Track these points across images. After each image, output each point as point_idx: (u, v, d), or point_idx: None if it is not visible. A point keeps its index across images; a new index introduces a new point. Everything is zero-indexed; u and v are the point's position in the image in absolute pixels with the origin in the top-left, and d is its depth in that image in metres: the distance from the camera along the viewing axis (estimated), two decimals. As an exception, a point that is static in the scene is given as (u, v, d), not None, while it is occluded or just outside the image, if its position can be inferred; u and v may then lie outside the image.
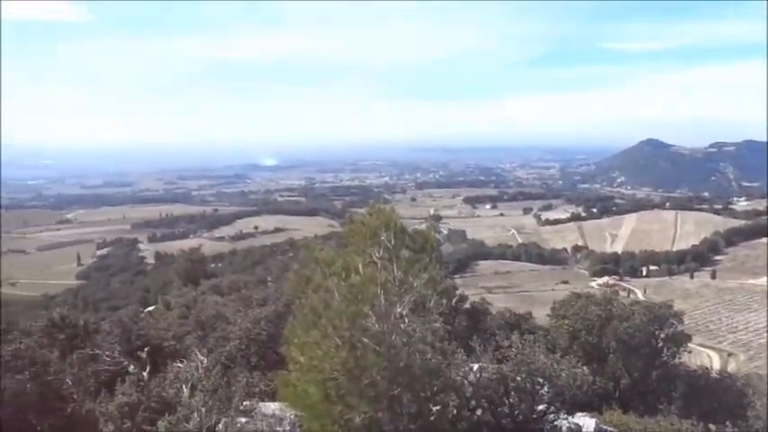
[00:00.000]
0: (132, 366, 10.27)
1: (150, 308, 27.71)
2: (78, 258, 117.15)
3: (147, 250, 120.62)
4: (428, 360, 7.45)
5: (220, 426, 8.76)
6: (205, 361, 10.35)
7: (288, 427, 9.32)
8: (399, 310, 7.12)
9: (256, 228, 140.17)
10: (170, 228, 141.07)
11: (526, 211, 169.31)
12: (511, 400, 8.03)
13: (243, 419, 9.20)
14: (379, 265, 7.04)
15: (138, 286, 75.26)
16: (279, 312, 13.13)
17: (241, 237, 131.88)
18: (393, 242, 7.05)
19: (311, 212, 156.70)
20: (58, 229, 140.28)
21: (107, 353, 10.48)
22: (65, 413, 10.03)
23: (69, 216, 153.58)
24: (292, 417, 8.97)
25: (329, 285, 6.76)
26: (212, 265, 58.50)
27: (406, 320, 7.33)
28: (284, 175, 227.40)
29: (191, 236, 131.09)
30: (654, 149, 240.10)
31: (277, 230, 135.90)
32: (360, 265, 6.89)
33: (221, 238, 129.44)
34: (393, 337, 7.02)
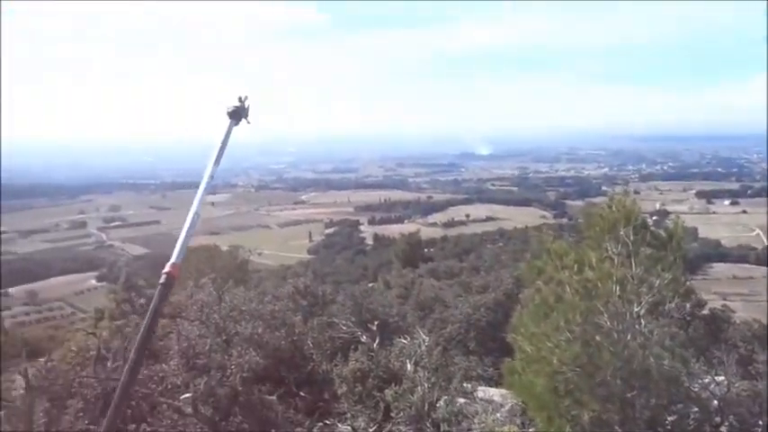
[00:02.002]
0: (364, 337, 11.16)
1: (369, 285, 29.95)
2: (309, 235, 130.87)
3: (367, 232, 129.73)
4: (666, 366, 6.91)
5: (441, 403, 9.15)
6: (427, 340, 10.86)
7: (506, 414, 9.40)
8: (636, 309, 6.71)
9: (467, 216, 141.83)
10: (387, 212, 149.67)
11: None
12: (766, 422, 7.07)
13: (462, 400, 9.49)
14: (616, 261, 6.69)
15: (357, 264, 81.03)
16: (498, 300, 13.22)
17: (452, 224, 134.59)
18: (633, 237, 6.64)
19: (523, 202, 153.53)
20: (294, 209, 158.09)
21: (343, 322, 11.52)
22: (305, 370, 11.24)
23: (303, 198, 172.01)
24: (513, 405, 9.02)
25: (561, 278, 6.62)
26: (425, 250, 60.69)
27: (643, 321, 6.88)
28: (497, 164, 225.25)
29: (406, 221, 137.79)
30: None
31: (488, 219, 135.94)
32: (594, 260, 6.63)
33: (434, 224, 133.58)
34: (628, 337, 6.65)
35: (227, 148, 2.75)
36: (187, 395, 8.64)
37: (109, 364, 8.75)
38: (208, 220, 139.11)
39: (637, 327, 6.80)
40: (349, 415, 8.80)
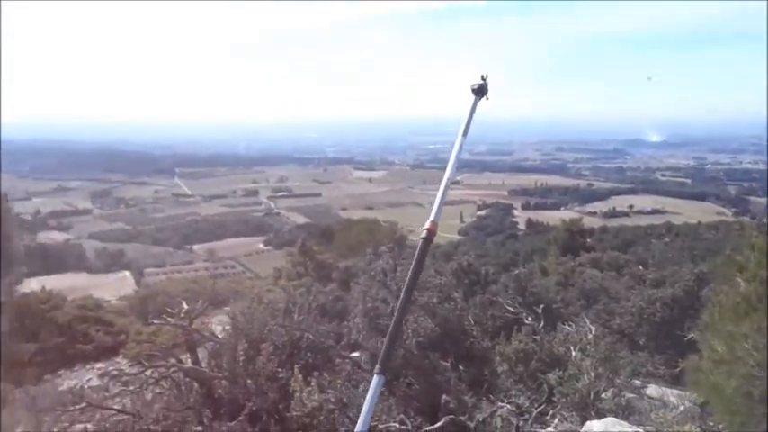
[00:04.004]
0: (528, 318, 11.14)
1: (519, 270, 29.39)
2: (461, 216, 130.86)
3: (519, 216, 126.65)
4: None
5: (607, 394, 8.90)
6: (594, 329, 10.56)
7: (678, 416, 8.91)
8: None
9: (631, 206, 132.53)
10: (542, 198, 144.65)
11: None
12: None
13: (630, 395, 9.15)
14: (835, 263, 6.01)
15: (508, 249, 79.22)
16: (676, 297, 12.40)
17: (613, 214, 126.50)
18: None
19: (697, 196, 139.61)
20: (449, 189, 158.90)
21: (507, 302, 11.59)
22: (465, 345, 11.50)
23: (458, 178, 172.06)
24: (689, 406, 8.53)
25: (765, 276, 6.10)
26: (584, 240, 57.87)
27: None
28: (668, 153, 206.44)
29: (562, 208, 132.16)
30: None
31: (654, 212, 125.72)
32: (807, 259, 6.01)
33: (593, 213, 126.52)
34: (842, 347, 5.98)
35: (471, 122, 3.03)
36: (355, 354, 9.35)
37: (295, 316, 9.72)
38: (364, 196, 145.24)
39: None
40: (513, 392, 8.91)
